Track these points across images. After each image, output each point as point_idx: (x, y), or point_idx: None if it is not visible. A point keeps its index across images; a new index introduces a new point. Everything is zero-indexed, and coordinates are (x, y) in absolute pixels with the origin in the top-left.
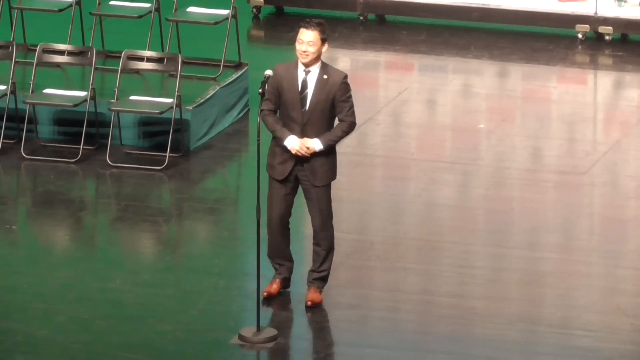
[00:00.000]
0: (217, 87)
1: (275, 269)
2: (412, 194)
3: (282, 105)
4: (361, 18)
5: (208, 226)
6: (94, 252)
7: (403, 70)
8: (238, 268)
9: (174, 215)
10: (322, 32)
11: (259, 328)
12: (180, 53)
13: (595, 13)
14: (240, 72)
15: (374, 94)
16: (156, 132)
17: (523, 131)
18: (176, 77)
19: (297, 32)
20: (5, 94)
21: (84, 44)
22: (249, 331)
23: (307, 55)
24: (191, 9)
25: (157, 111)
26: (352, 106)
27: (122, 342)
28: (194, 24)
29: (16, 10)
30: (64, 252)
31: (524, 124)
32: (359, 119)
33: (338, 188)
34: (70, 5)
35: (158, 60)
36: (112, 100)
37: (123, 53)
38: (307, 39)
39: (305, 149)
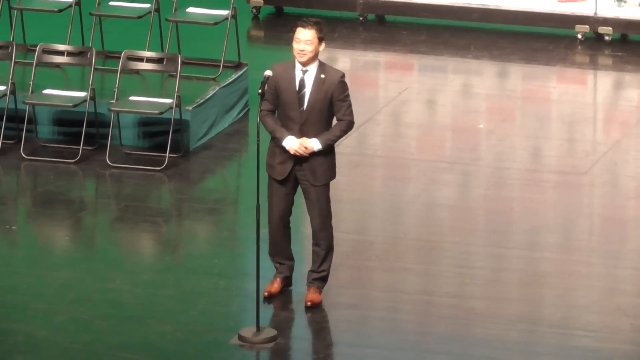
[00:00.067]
0: (217, 88)
1: (276, 268)
2: (412, 194)
3: (280, 105)
4: (361, 18)
5: (208, 226)
6: (93, 253)
7: (403, 70)
8: (238, 268)
9: (173, 216)
10: (319, 31)
11: (258, 328)
12: (180, 53)
13: (595, 13)
14: (240, 73)
15: (374, 94)
16: (156, 132)
17: (523, 131)
18: (176, 77)
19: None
20: (5, 95)
21: (83, 44)
22: (248, 331)
23: (305, 54)
24: (191, 9)
25: (157, 111)
26: (350, 105)
27: (122, 342)
28: (193, 24)
29: (16, 11)
30: (63, 252)
31: (523, 124)
32: (358, 119)
33: (338, 188)
34: (70, 6)
35: (158, 61)
36: (112, 101)
37: (123, 53)
38: (305, 37)
39: (304, 149)
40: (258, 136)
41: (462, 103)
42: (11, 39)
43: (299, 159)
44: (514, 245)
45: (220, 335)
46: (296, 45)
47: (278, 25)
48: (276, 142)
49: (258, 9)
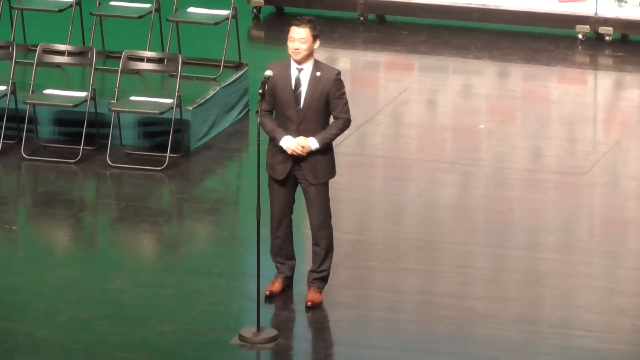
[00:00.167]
0: (218, 88)
1: (277, 268)
2: (412, 194)
3: (277, 104)
4: (361, 18)
5: (208, 226)
6: (94, 253)
7: (403, 70)
8: (238, 268)
9: (174, 216)
10: (313, 29)
11: (259, 328)
12: (180, 53)
13: (596, 13)
14: (240, 73)
15: (374, 94)
16: (156, 132)
17: (523, 131)
18: (176, 77)
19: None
20: (6, 94)
21: (84, 44)
22: (249, 331)
23: (299, 52)
24: (191, 9)
25: (158, 111)
26: (346, 103)
27: (122, 342)
28: (194, 24)
29: (16, 11)
30: (64, 252)
31: (524, 124)
32: (359, 119)
33: (338, 188)
34: (71, 6)
35: (158, 61)
36: (113, 101)
37: (123, 53)
38: (299, 36)
39: (301, 149)
40: (258, 136)
41: (462, 103)
42: (12, 39)
43: (297, 159)
44: (514, 246)
45: (221, 335)
46: (290, 44)
47: (278, 25)
48: (274, 142)
49: (259, 9)
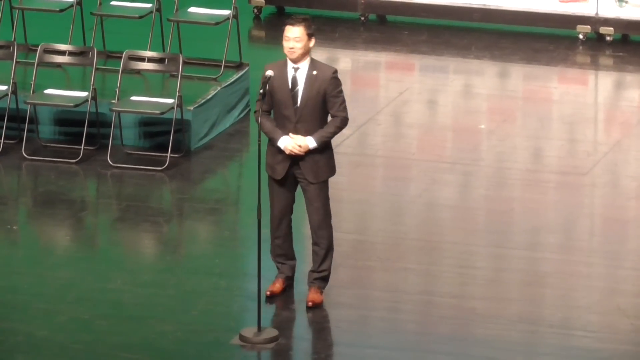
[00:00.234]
0: (218, 88)
1: (278, 268)
2: (412, 194)
3: (275, 104)
4: (362, 18)
5: (209, 226)
6: (94, 253)
7: (404, 70)
8: (239, 268)
9: (174, 216)
10: (307, 27)
11: (259, 328)
12: (181, 53)
13: (596, 14)
14: (241, 73)
15: (375, 94)
16: (157, 132)
17: (524, 132)
18: (177, 77)
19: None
20: (6, 94)
21: (85, 44)
22: (249, 331)
23: (295, 51)
24: (192, 9)
25: (158, 111)
26: (343, 101)
27: (123, 342)
28: (195, 24)
29: (17, 10)
30: (64, 252)
31: (524, 124)
32: (359, 119)
33: (338, 188)
34: (71, 6)
35: (159, 61)
36: (113, 101)
37: (124, 53)
38: (294, 35)
39: (299, 148)
40: (259, 136)
41: (463, 103)
42: (12, 39)
43: (296, 158)
44: (514, 246)
45: (221, 336)
46: (286, 43)
47: (279, 25)
48: (272, 142)
49: (259, 8)
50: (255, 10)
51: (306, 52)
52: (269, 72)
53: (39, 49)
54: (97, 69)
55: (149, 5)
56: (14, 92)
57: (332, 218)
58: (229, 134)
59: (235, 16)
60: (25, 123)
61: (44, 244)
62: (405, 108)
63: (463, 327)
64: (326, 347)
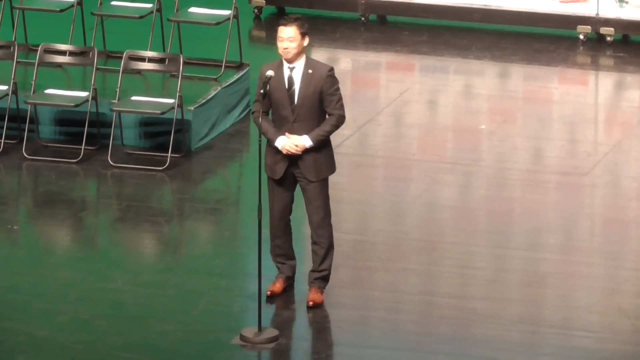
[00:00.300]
0: (219, 88)
1: (278, 268)
2: (413, 194)
3: (273, 104)
4: (362, 19)
5: (209, 226)
6: (95, 253)
7: (404, 70)
8: (239, 268)
9: (175, 216)
10: (300, 26)
11: (260, 328)
12: (181, 53)
13: (597, 14)
14: (241, 73)
15: (375, 94)
16: (157, 132)
17: (524, 132)
18: (177, 77)
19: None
20: (7, 94)
21: (85, 44)
22: (250, 331)
23: (289, 51)
24: (192, 9)
25: (159, 111)
26: (340, 99)
27: (123, 342)
28: (195, 24)
29: (18, 10)
30: (65, 252)
31: (525, 124)
32: (360, 120)
33: (339, 189)
34: (72, 6)
35: (159, 61)
36: (114, 101)
37: (124, 53)
38: (287, 35)
39: (295, 148)
40: (259, 136)
41: (463, 104)
42: (13, 39)
43: (294, 158)
44: (515, 246)
45: (222, 336)
46: (280, 44)
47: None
48: (269, 142)
49: (260, 9)
50: (256, 11)
51: (301, 51)
52: (270, 72)
53: (39, 49)
54: (97, 69)
55: (149, 5)
56: (15, 92)
57: (333, 218)
58: (229, 134)
59: (235, 16)
60: (25, 123)
61: (45, 244)
62: (406, 108)
63: (463, 328)
64: (326, 347)
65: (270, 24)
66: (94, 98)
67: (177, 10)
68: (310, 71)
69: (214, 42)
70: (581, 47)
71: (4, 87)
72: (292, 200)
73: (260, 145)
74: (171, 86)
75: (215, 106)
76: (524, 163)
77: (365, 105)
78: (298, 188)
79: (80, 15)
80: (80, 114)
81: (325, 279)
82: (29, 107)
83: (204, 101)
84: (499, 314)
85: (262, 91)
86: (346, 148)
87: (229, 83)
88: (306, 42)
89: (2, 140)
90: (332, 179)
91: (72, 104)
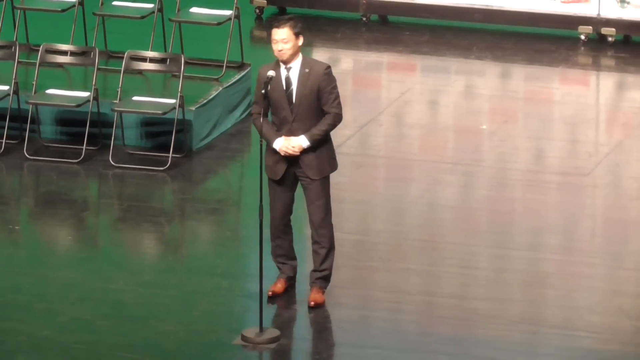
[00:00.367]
0: (220, 88)
1: (279, 268)
2: (414, 194)
3: (271, 105)
4: (364, 19)
5: (210, 227)
6: (96, 253)
7: (406, 71)
8: (240, 269)
9: (176, 216)
10: (293, 27)
11: (261, 329)
12: (183, 53)
13: (598, 14)
14: (243, 73)
15: (377, 94)
16: (159, 132)
17: (525, 132)
18: (179, 77)
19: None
20: (8, 94)
21: (86, 44)
22: (251, 332)
23: (284, 53)
24: (194, 9)
25: (160, 112)
26: (337, 97)
27: (124, 342)
28: (196, 24)
29: (19, 11)
30: (66, 252)
31: (526, 125)
32: (361, 120)
33: (340, 189)
34: (73, 6)
35: (161, 61)
36: (115, 101)
37: (126, 53)
38: (280, 37)
39: (292, 148)
40: (261, 136)
41: (464, 104)
42: (14, 39)
43: (294, 158)
44: (516, 246)
45: (223, 336)
46: (274, 46)
47: None
48: (268, 144)
49: (261, 9)
50: (257, 11)
51: (296, 51)
52: (271, 73)
53: (40, 49)
54: (98, 69)
55: (150, 6)
56: (16, 92)
57: (334, 218)
58: (230, 134)
59: (237, 16)
60: (27, 123)
61: (46, 244)
62: (407, 108)
63: (464, 328)
64: (328, 347)
65: (271, 25)
66: (95, 98)
67: (178, 10)
68: (307, 70)
69: (215, 42)
70: (582, 48)
71: (5, 87)
72: (292, 201)
73: (261, 145)
74: (172, 86)
75: (217, 106)
76: (525, 163)
77: (367, 106)
78: (299, 188)
79: (81, 15)
80: (81, 114)
81: (326, 279)
82: (30, 107)
83: (205, 101)
84: (500, 314)
85: (263, 91)
86: (347, 148)
87: (230, 83)
88: (301, 41)
89: (4, 141)
90: (333, 179)
91: (74, 104)
